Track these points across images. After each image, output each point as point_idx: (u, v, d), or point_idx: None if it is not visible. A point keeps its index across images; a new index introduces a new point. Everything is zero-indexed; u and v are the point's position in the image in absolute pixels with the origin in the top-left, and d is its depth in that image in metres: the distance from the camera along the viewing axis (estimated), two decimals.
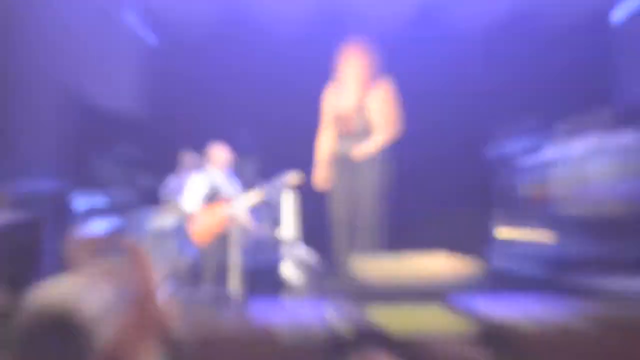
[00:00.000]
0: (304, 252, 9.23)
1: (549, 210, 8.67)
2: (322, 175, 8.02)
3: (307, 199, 9.51)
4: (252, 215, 9.30)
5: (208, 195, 9.08)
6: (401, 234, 8.12)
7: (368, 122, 7.79)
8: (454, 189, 10.78)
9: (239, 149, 9.85)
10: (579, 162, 8.35)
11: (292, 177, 8.93)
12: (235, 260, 8.46)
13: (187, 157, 10.17)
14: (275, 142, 10.96)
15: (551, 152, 8.95)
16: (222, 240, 8.91)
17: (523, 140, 9.52)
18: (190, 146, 10.19)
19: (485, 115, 10.64)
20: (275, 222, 9.56)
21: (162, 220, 9.54)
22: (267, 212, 9.57)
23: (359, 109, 7.74)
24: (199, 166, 9.61)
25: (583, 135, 8.64)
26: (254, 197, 9.12)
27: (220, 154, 9.34)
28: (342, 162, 7.91)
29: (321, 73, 8.17)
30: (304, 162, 9.38)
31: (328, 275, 8.22)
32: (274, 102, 11.29)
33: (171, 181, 10.16)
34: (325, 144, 7.99)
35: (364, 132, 7.76)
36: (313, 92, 8.59)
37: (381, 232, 7.76)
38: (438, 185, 10.80)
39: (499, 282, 8.06)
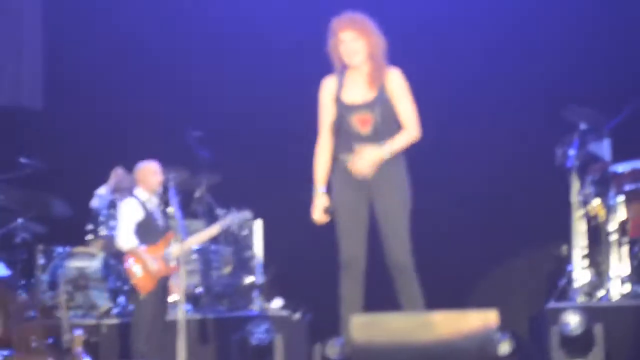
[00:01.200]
0: (281, 305, 8.48)
1: None
2: (321, 201, 6.04)
3: (284, 233, 8.74)
4: (205, 255, 8.61)
5: (142, 228, 7.92)
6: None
7: (387, 120, 6.03)
8: (499, 215, 9.22)
9: (188, 165, 8.69)
10: None
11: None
12: (181, 317, 7.32)
13: (117, 173, 8.93)
14: (240, 156, 9.69)
15: None
16: (163, 287, 7.85)
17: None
18: (117, 161, 8.89)
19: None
20: (242, 264, 8.75)
21: (85, 259, 8.58)
22: (231, 251, 8.88)
23: (374, 101, 5.97)
24: (129, 188, 8.33)
25: None
26: (207, 233, 8.11)
27: (150, 172, 8.06)
28: (352, 177, 5.94)
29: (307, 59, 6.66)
30: (285, 184, 8.79)
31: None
32: (242, 98, 9.85)
33: (99, 200, 9.01)
34: (324, 155, 6.10)
35: (383, 133, 5.97)
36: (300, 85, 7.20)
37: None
38: (477, 209, 9.28)
39: None
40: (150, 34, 9.97)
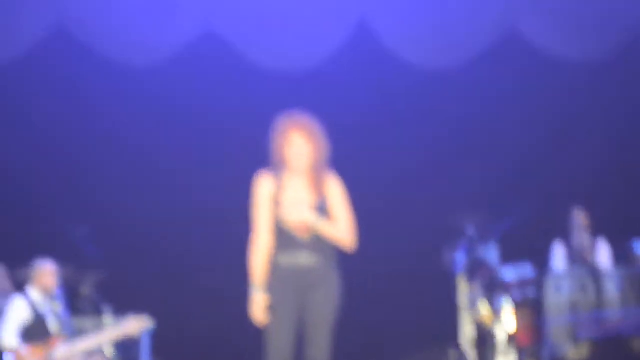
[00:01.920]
0: None
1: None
2: (261, 300, 5.86)
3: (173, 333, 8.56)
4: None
5: (29, 328, 7.67)
6: None
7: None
8: (392, 319, 9.16)
9: (73, 261, 8.40)
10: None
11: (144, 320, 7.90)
12: None
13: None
14: (128, 253, 9.48)
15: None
16: None
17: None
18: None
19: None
20: None
21: None
22: (117, 353, 8.44)
23: (315, 207, 5.83)
24: (8, 288, 8.22)
25: None
26: (100, 338, 7.82)
27: (47, 273, 7.85)
28: (288, 280, 5.83)
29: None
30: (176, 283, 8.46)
31: None
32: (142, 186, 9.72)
33: None
34: (263, 253, 5.90)
35: (321, 239, 5.83)
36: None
37: None
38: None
39: None
40: (37, 124, 9.84)
